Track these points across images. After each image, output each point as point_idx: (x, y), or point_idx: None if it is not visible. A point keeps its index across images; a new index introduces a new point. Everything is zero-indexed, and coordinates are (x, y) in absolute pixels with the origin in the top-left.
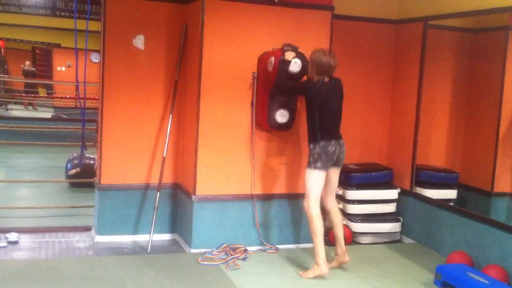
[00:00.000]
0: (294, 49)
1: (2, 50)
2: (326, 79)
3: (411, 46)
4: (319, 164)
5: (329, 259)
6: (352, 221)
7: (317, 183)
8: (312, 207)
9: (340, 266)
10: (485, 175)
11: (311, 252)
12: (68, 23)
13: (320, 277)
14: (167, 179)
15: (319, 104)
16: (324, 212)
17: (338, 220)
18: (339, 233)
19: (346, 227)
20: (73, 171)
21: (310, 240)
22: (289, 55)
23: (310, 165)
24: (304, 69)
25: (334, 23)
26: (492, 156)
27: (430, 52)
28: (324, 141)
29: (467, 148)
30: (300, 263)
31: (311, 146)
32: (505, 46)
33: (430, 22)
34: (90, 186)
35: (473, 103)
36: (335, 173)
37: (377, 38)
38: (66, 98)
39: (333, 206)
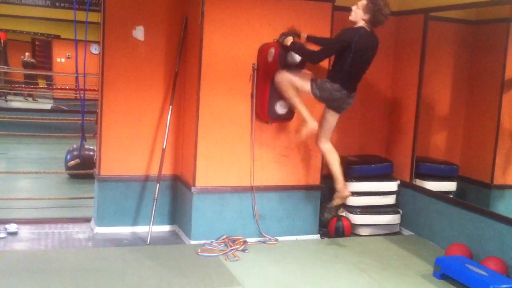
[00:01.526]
0: (292, 34)
1: (2, 41)
2: (369, 29)
3: (411, 38)
4: (316, 91)
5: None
6: (351, 213)
7: (298, 81)
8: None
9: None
10: (485, 167)
11: (310, 244)
12: (67, 14)
13: (342, 197)
14: (167, 170)
15: (355, 52)
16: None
17: (331, 159)
18: (336, 169)
19: (345, 219)
20: (73, 162)
21: (309, 231)
22: (288, 40)
23: (312, 83)
24: (304, 60)
25: (335, 14)
26: (492, 148)
27: (431, 44)
28: (339, 85)
29: (467, 141)
30: (299, 254)
31: (325, 79)
32: (506, 38)
33: (431, 14)
34: (90, 177)
35: (474, 95)
36: (334, 117)
37: (378, 30)
38: (65, 89)
39: (328, 146)
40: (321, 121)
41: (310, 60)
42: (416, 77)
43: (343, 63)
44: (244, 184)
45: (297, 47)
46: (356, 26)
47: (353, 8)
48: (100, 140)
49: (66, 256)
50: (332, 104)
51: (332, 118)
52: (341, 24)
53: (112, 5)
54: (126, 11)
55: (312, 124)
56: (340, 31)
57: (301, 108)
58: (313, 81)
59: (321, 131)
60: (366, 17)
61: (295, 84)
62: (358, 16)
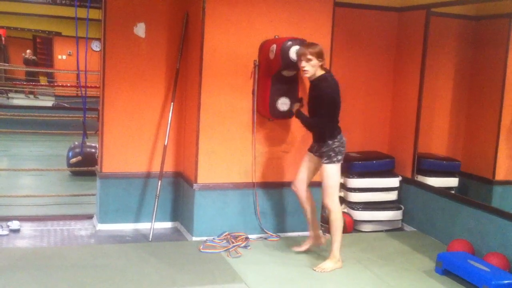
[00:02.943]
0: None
1: (3, 38)
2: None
3: (413, 34)
4: (340, 157)
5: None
6: (353, 209)
7: (338, 177)
8: (338, 204)
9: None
10: (487, 163)
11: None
12: (68, 11)
13: (316, 245)
14: (169, 167)
15: (337, 98)
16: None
17: (312, 205)
18: (313, 217)
19: (347, 215)
20: (75, 159)
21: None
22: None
23: (331, 160)
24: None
25: (336, 10)
26: (494, 144)
27: (433, 40)
28: (339, 135)
29: (469, 136)
30: (301, 251)
31: (330, 142)
32: (507, 34)
33: (432, 10)
34: (92, 174)
35: (475, 91)
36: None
37: (379, 25)
38: (67, 86)
39: (308, 193)
40: (310, 170)
41: (320, 128)
42: (418, 73)
43: (334, 114)
44: (246, 181)
45: (283, 55)
46: (322, 76)
47: (304, 64)
48: (102, 137)
49: (68, 253)
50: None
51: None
52: (342, 21)
53: (113, 2)
54: (127, 8)
55: (340, 265)
56: (323, 92)
57: (340, 245)
58: (329, 162)
59: (308, 176)
60: (323, 61)
61: (338, 190)
62: (316, 66)
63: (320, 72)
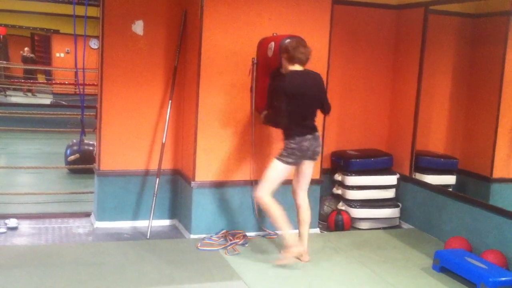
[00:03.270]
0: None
1: (2, 36)
2: (299, 69)
3: (411, 32)
4: (290, 160)
5: (327, 246)
6: (351, 206)
7: (279, 176)
8: (265, 195)
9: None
10: (485, 161)
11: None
12: (67, 9)
13: (297, 258)
14: (167, 165)
15: (292, 96)
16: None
17: (306, 217)
18: (303, 231)
19: (345, 212)
20: (73, 157)
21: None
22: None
23: (281, 157)
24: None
25: (335, 8)
26: (491, 142)
27: (431, 38)
28: (298, 136)
29: (467, 134)
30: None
31: (286, 141)
32: (506, 32)
33: (431, 8)
34: (90, 172)
35: (473, 89)
36: (309, 166)
37: (378, 23)
38: (65, 84)
39: (303, 202)
40: (298, 176)
41: (278, 125)
42: (416, 71)
43: (289, 112)
44: (244, 178)
45: (268, 118)
46: (287, 72)
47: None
48: (100, 135)
49: (66, 250)
50: (307, 155)
51: (309, 167)
52: (340, 18)
53: None
54: (125, 6)
55: (297, 251)
56: (277, 85)
57: (287, 233)
58: (278, 158)
59: (298, 185)
60: (288, 56)
61: (274, 187)
62: (283, 61)
63: (291, 68)
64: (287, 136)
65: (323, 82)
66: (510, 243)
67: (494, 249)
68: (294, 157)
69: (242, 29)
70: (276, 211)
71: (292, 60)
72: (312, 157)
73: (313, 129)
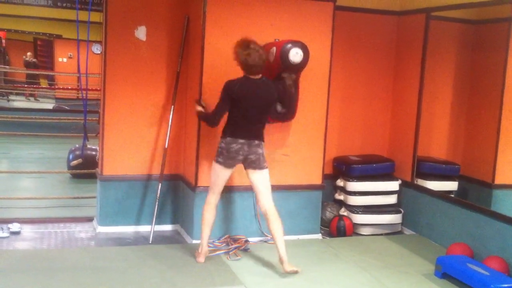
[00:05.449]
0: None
1: (3, 41)
2: (251, 77)
3: (413, 38)
4: (220, 159)
5: (332, 252)
6: (353, 212)
7: (216, 177)
8: (208, 199)
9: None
10: (487, 167)
11: (312, 243)
12: (69, 14)
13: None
14: (169, 170)
15: (236, 100)
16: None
17: (274, 227)
18: (276, 242)
19: (347, 218)
20: (75, 162)
21: (310, 231)
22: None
23: (215, 157)
24: (305, 60)
25: (336, 14)
26: (493, 148)
27: (432, 44)
28: (229, 137)
29: (469, 140)
30: (301, 254)
31: (220, 139)
32: (507, 38)
33: (432, 14)
34: (92, 177)
35: (475, 95)
36: (255, 177)
37: (379, 29)
38: (67, 89)
39: (268, 212)
40: (253, 187)
41: (208, 123)
42: (418, 77)
43: (230, 113)
44: (246, 184)
45: (201, 116)
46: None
47: None
48: (102, 140)
49: (69, 255)
50: (237, 159)
51: (255, 178)
52: (342, 24)
53: (114, 5)
54: (128, 11)
55: (198, 261)
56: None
57: (202, 241)
58: (214, 157)
59: (256, 195)
60: (237, 57)
61: (216, 188)
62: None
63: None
64: (222, 135)
65: (275, 91)
66: None
67: (496, 256)
68: (222, 157)
69: (244, 34)
70: (204, 217)
71: (241, 64)
72: (250, 165)
73: (252, 136)
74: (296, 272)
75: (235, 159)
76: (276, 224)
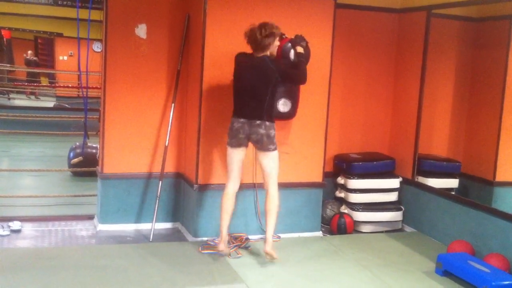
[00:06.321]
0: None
1: (5, 39)
2: (254, 54)
3: (414, 35)
4: (228, 139)
5: (334, 249)
6: (353, 210)
7: (230, 159)
8: (225, 186)
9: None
10: (487, 165)
11: (312, 241)
12: (70, 12)
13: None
14: (170, 168)
15: (235, 71)
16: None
17: (268, 205)
18: (267, 220)
19: (347, 216)
20: (76, 160)
21: (311, 229)
22: (299, 48)
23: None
24: (307, 58)
25: (337, 12)
26: (494, 145)
27: (433, 41)
28: (233, 117)
29: (470, 138)
30: (302, 251)
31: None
32: (508, 36)
33: (433, 11)
34: (93, 175)
35: (476, 93)
36: (260, 158)
37: (380, 27)
38: (68, 87)
39: (268, 191)
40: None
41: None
42: (419, 74)
43: (233, 92)
44: (247, 182)
45: (302, 60)
46: None
47: None
48: (103, 138)
49: (69, 253)
50: (240, 138)
51: (260, 157)
52: (343, 22)
53: (114, 3)
54: (128, 9)
55: (218, 248)
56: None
57: (221, 229)
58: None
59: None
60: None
61: (229, 170)
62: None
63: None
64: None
65: (272, 71)
66: None
67: (497, 253)
68: (229, 137)
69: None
70: (221, 204)
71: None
72: (255, 145)
73: (252, 116)
74: (273, 258)
75: (237, 137)
76: (269, 205)
